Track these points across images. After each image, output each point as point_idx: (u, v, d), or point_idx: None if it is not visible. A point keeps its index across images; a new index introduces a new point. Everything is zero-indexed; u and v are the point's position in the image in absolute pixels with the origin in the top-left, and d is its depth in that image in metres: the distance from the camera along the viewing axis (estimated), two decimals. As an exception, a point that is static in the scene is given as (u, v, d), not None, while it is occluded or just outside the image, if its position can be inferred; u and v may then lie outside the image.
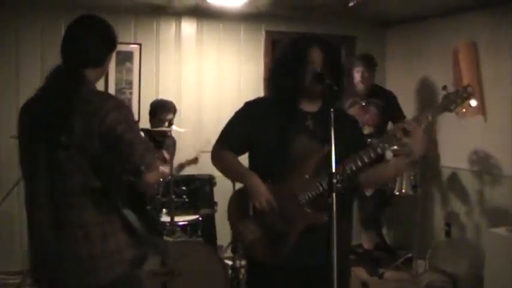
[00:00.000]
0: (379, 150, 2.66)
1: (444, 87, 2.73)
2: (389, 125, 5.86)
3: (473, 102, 2.66)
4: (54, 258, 2.46)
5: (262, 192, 2.71)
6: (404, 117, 5.70)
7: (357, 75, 5.74)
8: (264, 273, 2.81)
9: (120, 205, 2.49)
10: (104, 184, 2.43)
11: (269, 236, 2.74)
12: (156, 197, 4.70)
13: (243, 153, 2.93)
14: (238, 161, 2.90)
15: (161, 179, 3.43)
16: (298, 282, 2.81)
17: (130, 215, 2.51)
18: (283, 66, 2.82)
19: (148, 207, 2.65)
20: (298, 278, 2.79)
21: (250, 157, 2.93)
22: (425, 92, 6.16)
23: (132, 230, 2.52)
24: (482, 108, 5.31)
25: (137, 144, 2.42)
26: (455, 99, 2.66)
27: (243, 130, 2.87)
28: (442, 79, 5.79)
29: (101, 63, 2.60)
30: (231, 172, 2.96)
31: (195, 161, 5.37)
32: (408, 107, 6.00)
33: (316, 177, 2.67)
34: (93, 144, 2.36)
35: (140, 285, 2.70)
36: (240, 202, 2.80)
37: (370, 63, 5.82)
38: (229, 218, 2.91)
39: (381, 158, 2.71)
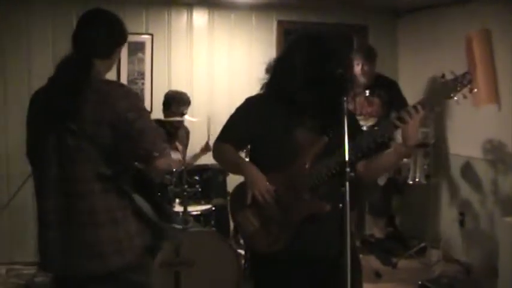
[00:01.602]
0: (378, 139, 2.63)
1: (443, 76, 2.72)
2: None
3: (473, 89, 2.65)
4: (62, 245, 2.49)
5: (260, 182, 2.71)
6: (406, 104, 5.68)
7: (357, 68, 5.68)
8: (266, 263, 2.80)
9: (131, 192, 2.51)
10: (114, 171, 2.45)
11: (269, 227, 2.73)
12: (168, 185, 4.71)
13: (243, 147, 2.96)
14: (238, 154, 2.91)
15: (174, 168, 3.40)
16: (300, 273, 2.80)
17: (142, 202, 2.54)
18: (289, 61, 2.78)
19: (159, 195, 2.65)
20: (300, 268, 2.77)
21: (251, 152, 2.94)
22: (438, 81, 6.12)
23: (143, 218, 2.54)
24: (496, 97, 5.27)
25: (148, 131, 2.45)
26: (454, 87, 2.64)
27: (244, 125, 2.87)
28: (455, 68, 5.66)
29: (108, 55, 2.64)
30: (231, 165, 2.96)
31: (207, 147, 5.35)
32: (420, 96, 5.95)
33: (316, 167, 2.66)
34: (104, 132, 2.40)
35: (150, 274, 2.72)
36: (240, 194, 2.80)
37: (368, 55, 5.76)
38: (230, 210, 2.92)
39: (381, 148, 2.68)
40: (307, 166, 2.68)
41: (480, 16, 5.49)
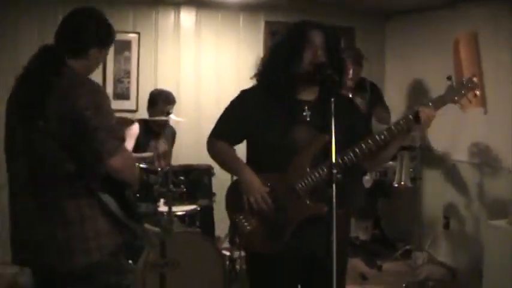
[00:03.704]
0: (381, 142, 2.63)
1: (449, 78, 2.70)
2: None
3: (477, 93, 2.65)
4: (32, 241, 2.50)
5: (256, 187, 2.69)
6: (386, 107, 5.73)
7: (349, 73, 5.65)
8: (263, 263, 2.78)
9: (99, 191, 2.51)
10: (78, 168, 2.45)
11: (267, 227, 2.71)
12: (153, 185, 4.67)
13: (238, 143, 2.90)
14: (234, 154, 2.87)
15: (134, 166, 3.28)
16: (297, 272, 2.79)
17: (110, 201, 2.54)
18: (282, 48, 2.76)
19: (127, 194, 2.64)
20: (297, 268, 2.77)
21: (247, 147, 2.90)
22: (424, 84, 6.13)
23: (112, 217, 2.54)
24: (482, 100, 5.28)
25: (101, 130, 2.41)
26: (459, 90, 2.64)
27: (239, 120, 2.83)
28: (442, 71, 5.73)
29: (81, 55, 2.61)
30: (226, 165, 2.93)
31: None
32: (407, 98, 5.97)
33: (315, 168, 2.64)
34: (65, 129, 2.40)
35: (124, 274, 2.70)
36: (236, 194, 2.77)
37: (358, 59, 5.76)
38: (227, 209, 2.89)
39: (383, 147, 2.67)
40: (307, 169, 2.65)
41: (467, 20, 5.50)
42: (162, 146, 5.31)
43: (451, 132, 5.70)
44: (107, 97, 2.56)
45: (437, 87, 5.76)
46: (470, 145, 5.53)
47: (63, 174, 2.45)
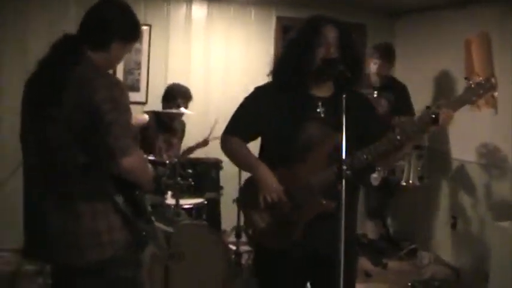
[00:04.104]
0: (396, 143, 2.62)
1: (467, 78, 2.68)
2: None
3: (495, 94, 2.63)
4: (45, 234, 2.47)
5: (272, 185, 2.69)
6: (413, 110, 5.63)
7: (374, 67, 5.55)
8: (272, 258, 2.79)
9: (111, 187, 2.46)
10: (91, 162, 2.40)
11: (279, 223, 2.72)
12: (161, 177, 4.68)
13: (253, 139, 2.88)
14: (248, 151, 2.86)
15: (147, 168, 3.20)
16: (306, 269, 2.79)
17: (120, 200, 2.49)
18: (295, 44, 2.75)
19: (137, 192, 2.61)
20: (306, 264, 2.77)
21: (261, 143, 2.89)
22: (435, 84, 6.11)
23: (123, 215, 2.50)
24: (493, 101, 5.25)
25: (116, 126, 2.35)
26: (478, 91, 2.62)
27: (253, 116, 2.82)
28: (452, 70, 5.75)
29: (103, 47, 2.54)
30: (241, 162, 2.93)
31: (204, 143, 5.34)
32: (417, 98, 5.95)
33: (329, 165, 2.63)
34: (80, 119, 2.34)
35: (137, 269, 2.69)
36: (252, 190, 2.77)
37: (389, 55, 5.65)
38: (241, 205, 2.89)
39: (397, 147, 2.66)
40: (320, 166, 2.65)
41: (479, 20, 5.47)
42: (171, 140, 5.31)
43: (461, 132, 5.68)
44: (126, 94, 2.49)
45: (447, 86, 5.79)
46: (479, 146, 5.51)
47: (75, 167, 2.40)
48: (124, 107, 2.43)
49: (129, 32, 2.62)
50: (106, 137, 2.33)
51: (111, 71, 2.60)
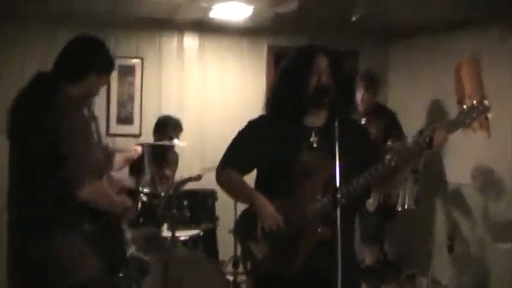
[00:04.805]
0: (392, 168, 2.62)
1: (460, 101, 2.71)
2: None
3: (489, 116, 2.65)
4: (21, 259, 2.59)
5: (271, 214, 2.67)
6: (404, 135, 5.67)
7: (359, 95, 5.60)
8: (274, 286, 2.77)
9: (80, 215, 2.60)
10: (58, 190, 2.53)
11: (277, 253, 2.70)
12: (156, 209, 4.67)
13: (248, 172, 2.88)
14: (245, 182, 2.85)
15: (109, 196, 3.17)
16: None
17: (89, 227, 2.63)
18: (287, 74, 2.77)
19: (107, 219, 2.70)
20: None
21: (257, 175, 2.89)
22: (429, 108, 6.13)
23: (94, 242, 2.62)
24: (486, 124, 5.27)
25: (72, 158, 2.49)
26: (471, 114, 2.63)
27: (248, 149, 2.82)
28: (445, 93, 5.78)
29: (78, 80, 2.68)
30: (238, 193, 2.92)
31: (197, 178, 5.35)
32: (412, 123, 5.97)
33: (325, 194, 2.63)
34: (43, 151, 2.50)
35: None
36: (248, 222, 2.76)
37: (371, 83, 5.69)
38: (238, 237, 2.88)
39: (392, 173, 2.66)
40: (317, 195, 2.65)
41: (471, 43, 5.53)
42: (164, 172, 5.31)
43: (455, 155, 5.69)
44: (89, 127, 2.65)
45: (441, 110, 5.81)
46: (474, 168, 5.52)
47: (45, 196, 2.53)
48: (84, 140, 2.57)
49: (104, 64, 2.77)
50: (63, 170, 2.48)
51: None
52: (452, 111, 5.48)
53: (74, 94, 2.65)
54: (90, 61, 2.70)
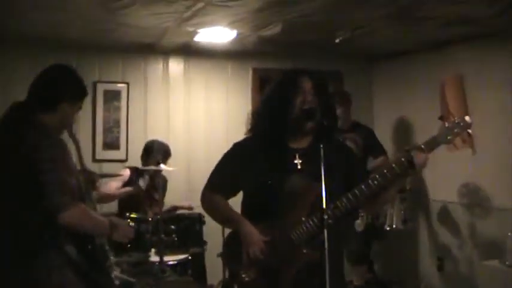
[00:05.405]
0: (375, 188, 2.61)
1: (441, 118, 2.71)
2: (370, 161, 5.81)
3: (470, 132, 2.67)
4: (3, 284, 2.59)
5: (254, 241, 2.67)
6: (384, 151, 5.72)
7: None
8: None
9: (62, 240, 2.60)
10: (40, 217, 2.54)
11: (265, 277, 2.69)
12: (144, 234, 4.64)
13: (233, 196, 2.88)
14: (230, 207, 2.85)
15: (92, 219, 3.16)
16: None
17: (73, 252, 2.63)
18: (273, 98, 2.79)
19: (94, 245, 2.70)
20: None
21: (243, 199, 2.89)
22: (414, 127, 6.16)
23: (76, 267, 2.62)
24: (470, 141, 5.31)
25: (50, 184, 2.52)
26: (453, 130, 2.64)
27: (233, 173, 2.82)
28: (430, 112, 5.79)
29: (51, 108, 2.74)
30: (223, 218, 2.91)
31: (189, 209, 5.38)
32: (396, 141, 6.00)
33: (311, 215, 2.63)
34: (25, 180, 2.53)
35: None
36: (234, 246, 2.75)
37: (345, 100, 5.77)
38: (225, 260, 2.86)
39: (377, 193, 2.66)
40: (302, 218, 2.64)
41: (454, 62, 5.58)
42: (152, 195, 5.30)
43: (441, 173, 5.71)
44: (68, 153, 2.69)
45: (425, 128, 5.83)
46: (460, 186, 5.55)
47: (28, 222, 2.56)
48: (63, 166, 2.60)
49: (75, 92, 2.83)
50: (43, 196, 2.50)
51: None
52: (437, 128, 5.52)
53: (49, 122, 2.70)
54: (60, 90, 2.76)
